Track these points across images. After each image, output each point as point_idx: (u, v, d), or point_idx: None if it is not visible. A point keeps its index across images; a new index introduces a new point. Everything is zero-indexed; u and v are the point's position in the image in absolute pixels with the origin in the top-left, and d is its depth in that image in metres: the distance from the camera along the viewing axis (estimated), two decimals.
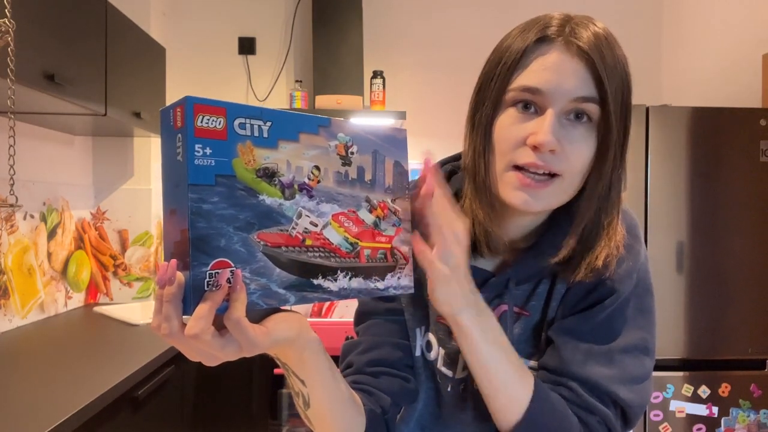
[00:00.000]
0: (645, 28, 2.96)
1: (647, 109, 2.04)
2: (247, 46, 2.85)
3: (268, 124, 0.52)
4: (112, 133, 2.49)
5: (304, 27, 2.85)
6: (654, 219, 2.05)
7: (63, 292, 2.36)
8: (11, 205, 1.33)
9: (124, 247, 2.67)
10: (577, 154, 0.62)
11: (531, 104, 0.63)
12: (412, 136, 2.86)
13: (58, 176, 2.34)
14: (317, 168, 0.55)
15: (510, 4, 2.80)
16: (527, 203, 0.63)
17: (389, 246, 0.60)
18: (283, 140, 0.53)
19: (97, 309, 2.37)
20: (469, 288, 0.63)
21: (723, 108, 2.07)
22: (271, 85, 2.86)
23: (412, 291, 0.62)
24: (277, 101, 2.85)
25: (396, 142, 0.62)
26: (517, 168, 0.63)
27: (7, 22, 1.19)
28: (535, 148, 0.61)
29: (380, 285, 0.59)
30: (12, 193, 1.29)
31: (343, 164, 0.58)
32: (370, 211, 0.59)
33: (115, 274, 2.67)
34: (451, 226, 0.61)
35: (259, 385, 2.35)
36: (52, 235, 2.27)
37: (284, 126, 0.53)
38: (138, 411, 1.64)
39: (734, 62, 2.40)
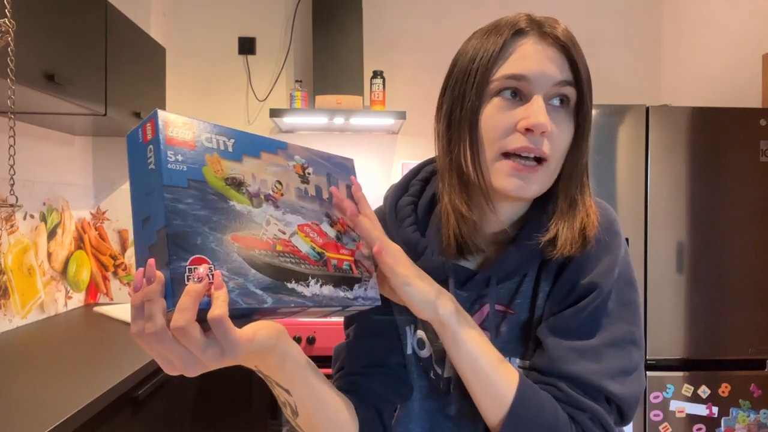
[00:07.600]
0: (645, 28, 2.95)
1: (647, 109, 2.03)
2: (247, 46, 2.85)
3: (232, 140, 0.55)
4: (112, 133, 2.49)
5: (304, 27, 2.85)
6: (654, 219, 2.05)
7: (63, 292, 2.36)
8: (11, 205, 1.33)
9: (124, 247, 2.67)
10: (562, 137, 0.65)
11: (516, 92, 0.65)
12: (413, 135, 2.86)
13: (58, 176, 2.34)
14: (279, 182, 0.58)
15: (510, 5, 2.79)
16: (520, 188, 0.64)
17: (353, 259, 0.62)
18: (246, 155, 0.56)
19: (97, 309, 2.37)
20: (436, 284, 0.65)
21: (723, 108, 2.07)
22: (271, 85, 2.86)
23: (379, 303, 0.63)
24: (278, 101, 2.85)
25: (346, 169, 0.67)
26: (507, 156, 0.65)
27: (7, 22, 1.19)
28: (527, 130, 0.63)
29: (349, 295, 0.60)
30: (12, 193, 1.29)
31: (302, 182, 0.60)
32: (332, 225, 0.62)
33: (115, 274, 2.67)
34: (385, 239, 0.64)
35: (259, 385, 2.35)
36: (52, 235, 2.27)
37: (246, 144, 0.56)
38: (138, 411, 1.64)
39: (734, 62, 2.40)
